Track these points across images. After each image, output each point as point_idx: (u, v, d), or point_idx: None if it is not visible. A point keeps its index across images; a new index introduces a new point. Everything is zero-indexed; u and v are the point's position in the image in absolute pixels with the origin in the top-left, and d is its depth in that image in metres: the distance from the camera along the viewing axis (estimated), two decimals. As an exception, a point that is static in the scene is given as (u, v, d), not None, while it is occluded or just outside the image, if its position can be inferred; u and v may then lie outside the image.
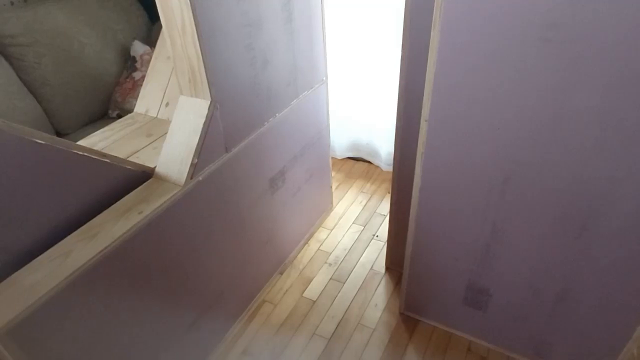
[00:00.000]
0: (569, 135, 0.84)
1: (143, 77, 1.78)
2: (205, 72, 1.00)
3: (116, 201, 0.99)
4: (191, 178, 1.05)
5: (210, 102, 1.04)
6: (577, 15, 0.72)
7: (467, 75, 0.87)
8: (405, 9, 1.08)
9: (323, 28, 1.44)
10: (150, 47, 1.86)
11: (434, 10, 0.84)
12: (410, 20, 1.08)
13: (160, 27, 0.97)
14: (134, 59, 1.82)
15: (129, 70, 1.82)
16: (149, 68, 1.41)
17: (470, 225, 1.08)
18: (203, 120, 1.03)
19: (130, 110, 1.75)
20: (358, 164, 2.14)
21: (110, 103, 1.84)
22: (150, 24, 2.02)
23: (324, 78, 1.52)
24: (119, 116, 1.81)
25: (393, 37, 1.74)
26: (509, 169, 0.94)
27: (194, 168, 1.05)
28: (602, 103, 0.78)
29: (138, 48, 1.83)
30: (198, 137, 1.03)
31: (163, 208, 0.99)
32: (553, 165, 0.89)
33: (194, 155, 1.04)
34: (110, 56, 1.82)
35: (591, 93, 0.78)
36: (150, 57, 1.83)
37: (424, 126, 0.98)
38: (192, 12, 0.91)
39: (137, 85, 1.77)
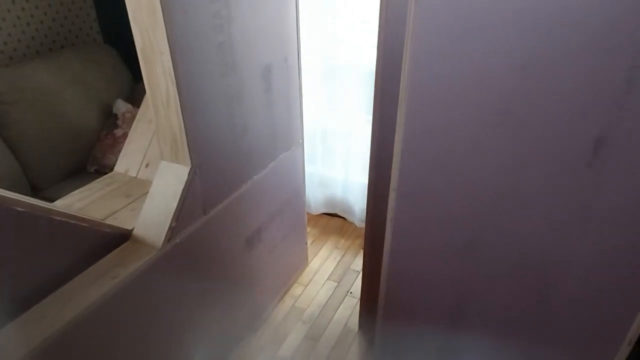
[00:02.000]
0: (521, 210, 0.91)
1: (124, 134, 1.82)
2: (187, 140, 1.05)
3: (93, 263, 1.00)
4: (168, 241, 1.08)
5: (191, 168, 1.08)
6: (523, 103, 0.82)
7: (431, 149, 0.95)
8: (375, 81, 1.18)
9: (300, 93, 1.53)
10: (133, 104, 1.92)
11: (400, 92, 0.93)
12: (381, 92, 1.17)
13: (144, 86, 1.03)
14: (115, 117, 1.87)
15: (110, 127, 1.87)
16: (131, 129, 1.46)
17: (438, 289, 1.12)
18: (182, 185, 1.07)
19: (109, 166, 1.78)
20: (333, 219, 2.19)
21: (89, 158, 1.87)
22: (133, 83, 2.09)
23: (301, 140, 1.59)
24: (97, 172, 1.83)
25: (367, 99, 1.86)
26: (471, 236, 1.01)
27: (172, 231, 1.08)
28: (547, 182, 0.86)
29: (120, 106, 1.88)
30: (177, 201, 1.07)
31: (138, 272, 1.00)
32: (509, 233, 0.96)
33: (172, 219, 1.07)
34: (92, 113, 1.86)
35: (539, 173, 0.86)
36: (132, 115, 1.88)
37: (392, 194, 1.05)
38: (177, 88, 0.98)
39: (117, 142, 1.81)
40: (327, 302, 1.71)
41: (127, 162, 1.43)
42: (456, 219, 1.00)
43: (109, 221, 1.16)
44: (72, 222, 0.93)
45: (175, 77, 0.97)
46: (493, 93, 0.83)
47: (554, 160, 0.85)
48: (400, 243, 1.11)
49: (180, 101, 1.00)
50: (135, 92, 2.06)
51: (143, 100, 1.49)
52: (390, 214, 1.09)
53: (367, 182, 1.99)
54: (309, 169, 2.10)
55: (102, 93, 1.92)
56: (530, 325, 1.06)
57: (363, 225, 2.08)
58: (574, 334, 1.02)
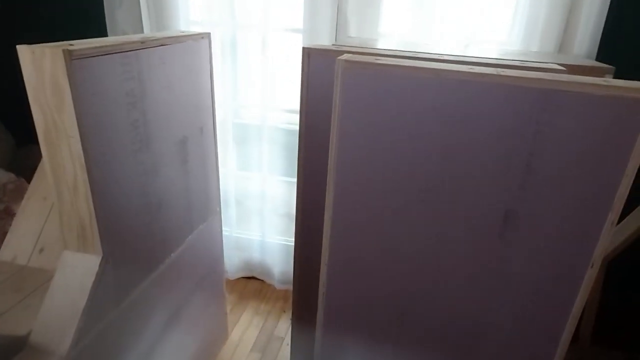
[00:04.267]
0: (446, 278, 0.97)
1: (6, 210, 1.59)
2: (98, 227, 0.94)
3: (-24, 388, 0.83)
4: (76, 344, 0.93)
5: (102, 257, 0.97)
6: (443, 183, 0.89)
7: (361, 225, 0.97)
8: (298, 151, 1.19)
9: (216, 161, 1.48)
10: (16, 173, 1.69)
11: (328, 173, 0.94)
12: (304, 159, 1.19)
13: (29, 152, 0.90)
14: (-6, 189, 1.63)
15: (-13, 202, 1.61)
16: (20, 208, 1.27)
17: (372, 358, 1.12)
18: (93, 278, 0.95)
19: (-13, 249, 1.52)
20: (251, 282, 2.11)
21: (-42, 239, 1.58)
22: (15, 148, 1.85)
23: (218, 209, 1.53)
24: (-29, 255, 1.55)
25: (278, 159, 1.87)
26: (403, 306, 1.03)
27: (79, 333, 0.94)
28: (467, 252, 0.93)
29: (1, 176, 1.64)
30: (86, 297, 0.94)
31: (40, 389, 0.85)
32: (438, 301, 1.00)
33: (80, 318, 0.93)
34: (-36, 187, 1.60)
35: (459, 243, 0.93)
36: (15, 186, 1.65)
37: (324, 269, 1.04)
38: (87, 172, 0.88)
39: (-3, 219, 1.56)
40: (252, 378, 1.61)
41: (15, 247, 1.23)
42: (388, 291, 1.02)
43: (-5, 326, 0.98)
44: (-50, 341, 0.77)
45: (86, 161, 0.88)
46: (416, 174, 0.89)
47: (472, 232, 0.92)
48: (333, 317, 1.10)
49: (90, 186, 0.90)
50: (17, 158, 1.83)
51: (35, 174, 1.32)
52: (322, 289, 1.08)
53: (284, 242, 1.97)
54: (224, 231, 2.01)
55: (-24, 162, 1.67)
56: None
57: (283, 287, 2.03)
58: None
